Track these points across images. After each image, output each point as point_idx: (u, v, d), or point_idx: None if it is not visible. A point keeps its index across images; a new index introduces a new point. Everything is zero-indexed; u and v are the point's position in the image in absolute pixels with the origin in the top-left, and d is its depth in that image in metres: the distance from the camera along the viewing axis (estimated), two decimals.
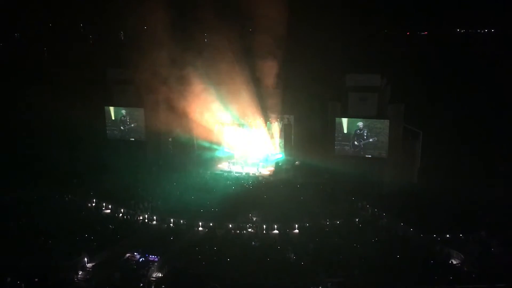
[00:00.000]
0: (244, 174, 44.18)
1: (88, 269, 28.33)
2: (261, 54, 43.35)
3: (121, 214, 36.36)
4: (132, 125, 47.85)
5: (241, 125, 46.93)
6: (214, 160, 47.23)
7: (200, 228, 33.80)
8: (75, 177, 41.85)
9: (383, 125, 40.11)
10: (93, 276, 27.52)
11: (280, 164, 44.99)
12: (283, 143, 46.69)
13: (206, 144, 48.57)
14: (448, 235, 30.62)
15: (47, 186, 39.64)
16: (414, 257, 28.46)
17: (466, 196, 35.27)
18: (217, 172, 45.09)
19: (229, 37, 44.61)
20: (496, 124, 49.43)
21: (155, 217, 35.19)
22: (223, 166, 46.56)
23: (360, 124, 40.58)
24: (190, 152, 48.12)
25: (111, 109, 48.18)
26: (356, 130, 40.90)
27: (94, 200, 38.36)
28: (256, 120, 46.04)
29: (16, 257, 28.12)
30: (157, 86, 45.80)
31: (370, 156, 40.86)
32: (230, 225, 33.28)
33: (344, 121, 41.13)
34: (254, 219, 34.09)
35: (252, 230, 33.09)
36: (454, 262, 28.26)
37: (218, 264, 28.03)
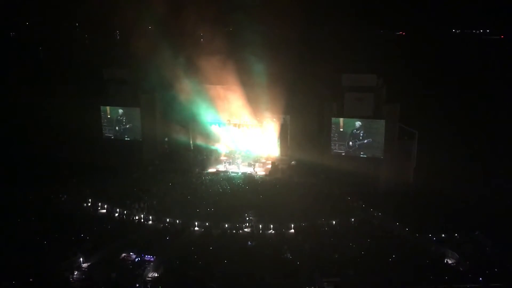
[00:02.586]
0: (240, 173, 44.18)
1: (83, 269, 28.27)
2: (257, 54, 43.40)
3: (117, 214, 36.29)
4: (128, 126, 47.72)
5: (237, 125, 46.95)
6: (210, 160, 47.25)
7: (196, 228, 33.77)
8: (70, 177, 41.75)
9: (379, 125, 40.16)
10: (89, 276, 27.45)
11: (276, 163, 45.04)
12: (279, 142, 46.87)
13: (203, 144, 48.68)
14: (443, 235, 30.76)
15: (42, 185, 39.50)
16: (409, 256, 28.59)
17: (462, 196, 35.39)
18: (213, 171, 45.06)
19: (226, 37, 44.67)
20: (492, 124, 49.68)
21: (151, 217, 35.15)
22: (219, 166, 46.56)
23: (357, 124, 40.63)
24: (186, 152, 48.10)
25: (107, 108, 48.03)
26: (352, 130, 40.95)
27: (90, 200, 38.25)
28: (252, 120, 46.09)
29: (11, 257, 28.06)
30: (153, 86, 45.80)
31: (366, 156, 40.91)
32: (226, 225, 33.29)
33: (340, 121, 41.17)
34: (250, 218, 34.09)
35: (248, 230, 33.12)
36: (449, 262, 28.38)
37: (214, 264, 28.01)
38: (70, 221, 34.16)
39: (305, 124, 44.98)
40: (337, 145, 41.62)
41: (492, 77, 67.45)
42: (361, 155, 40.96)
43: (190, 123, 48.14)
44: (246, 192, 39.56)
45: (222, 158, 47.86)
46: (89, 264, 28.65)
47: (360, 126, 40.57)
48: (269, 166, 45.05)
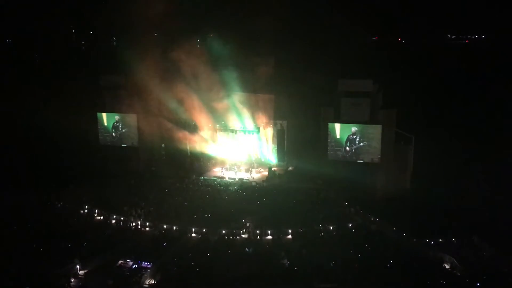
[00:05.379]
0: (237, 179, 44.14)
1: (80, 276, 28.14)
2: (254, 61, 43.52)
3: (113, 221, 36.17)
4: (124, 131, 47.68)
5: (234, 131, 46.96)
6: (207, 166, 47.21)
7: (193, 234, 33.67)
8: (67, 183, 41.63)
9: (376, 130, 40.23)
10: (86, 283, 27.33)
11: (273, 169, 45.03)
12: (276, 148, 46.90)
13: (199, 150, 48.60)
14: (440, 240, 30.76)
15: (38, 192, 39.35)
16: (407, 261, 28.55)
17: (459, 200, 35.42)
18: (210, 178, 45.02)
19: (222, 43, 44.80)
20: (488, 128, 49.79)
21: (148, 224, 35.03)
22: (216, 172, 46.53)
23: (353, 129, 40.68)
24: (183, 158, 48.05)
25: (104, 115, 48.00)
26: (349, 135, 41.00)
27: (87, 206, 38.13)
28: (249, 126, 46.14)
29: (7, 264, 27.92)
30: (150, 92, 45.78)
31: (362, 161, 40.95)
32: (223, 231, 33.21)
33: (337, 126, 41.21)
34: (248, 224, 34.02)
35: (246, 236, 33.05)
36: (447, 266, 28.37)
37: (211, 270, 27.92)
38: (67, 228, 34.04)
39: (302, 129, 45.04)
40: (334, 150, 41.65)
41: (489, 81, 67.72)
42: (358, 161, 40.99)
43: (187, 129, 48.07)
44: (243, 198, 39.54)
45: (219, 164, 47.81)
46: (85, 271, 28.51)
47: (356, 131, 40.64)
48: (266, 171, 45.04)
